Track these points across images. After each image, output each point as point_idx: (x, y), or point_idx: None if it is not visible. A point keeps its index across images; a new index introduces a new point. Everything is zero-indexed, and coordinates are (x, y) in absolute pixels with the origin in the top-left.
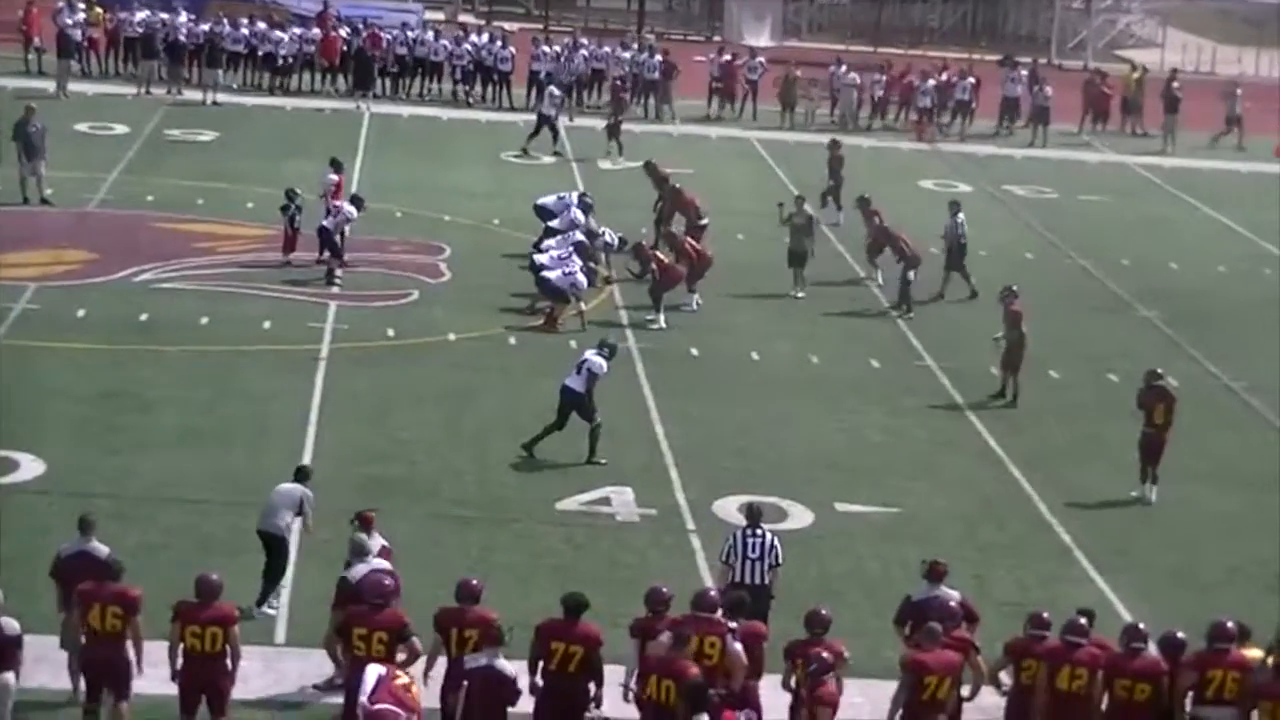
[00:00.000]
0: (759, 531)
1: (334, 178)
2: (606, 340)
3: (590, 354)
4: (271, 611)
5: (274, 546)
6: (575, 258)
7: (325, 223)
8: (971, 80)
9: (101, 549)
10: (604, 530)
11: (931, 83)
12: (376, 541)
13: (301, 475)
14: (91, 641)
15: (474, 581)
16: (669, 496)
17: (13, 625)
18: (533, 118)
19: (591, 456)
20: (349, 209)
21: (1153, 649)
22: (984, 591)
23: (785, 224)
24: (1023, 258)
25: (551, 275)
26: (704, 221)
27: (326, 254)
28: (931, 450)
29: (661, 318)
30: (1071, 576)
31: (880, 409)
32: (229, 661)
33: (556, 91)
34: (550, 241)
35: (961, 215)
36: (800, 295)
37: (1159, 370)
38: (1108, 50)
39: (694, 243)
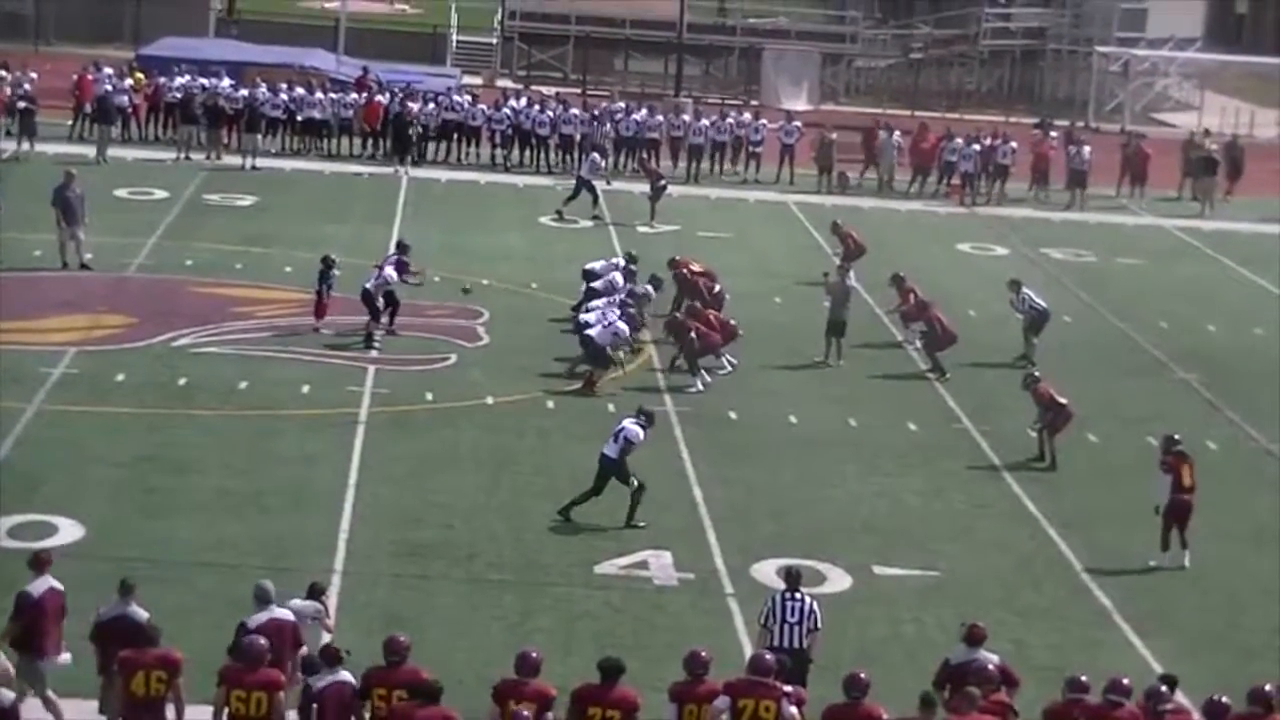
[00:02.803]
0: (798, 595)
1: (395, 257)
2: (644, 408)
3: (628, 422)
4: None
5: None
6: (615, 311)
7: (367, 285)
8: (1013, 145)
9: (140, 612)
10: (642, 594)
11: (976, 147)
12: (45, 582)
13: (314, 592)
14: (134, 707)
15: (534, 654)
16: (707, 560)
17: (5, 697)
18: (569, 182)
19: (630, 520)
20: (389, 273)
21: (1189, 710)
22: (1022, 655)
23: (829, 295)
24: (1060, 320)
25: (594, 333)
26: (718, 289)
27: (386, 317)
28: (969, 513)
29: (699, 381)
30: (1110, 640)
31: (918, 472)
32: None
33: (599, 158)
34: (595, 303)
35: (1026, 290)
36: (840, 363)
37: (1176, 436)
38: (1145, 113)
39: (715, 314)
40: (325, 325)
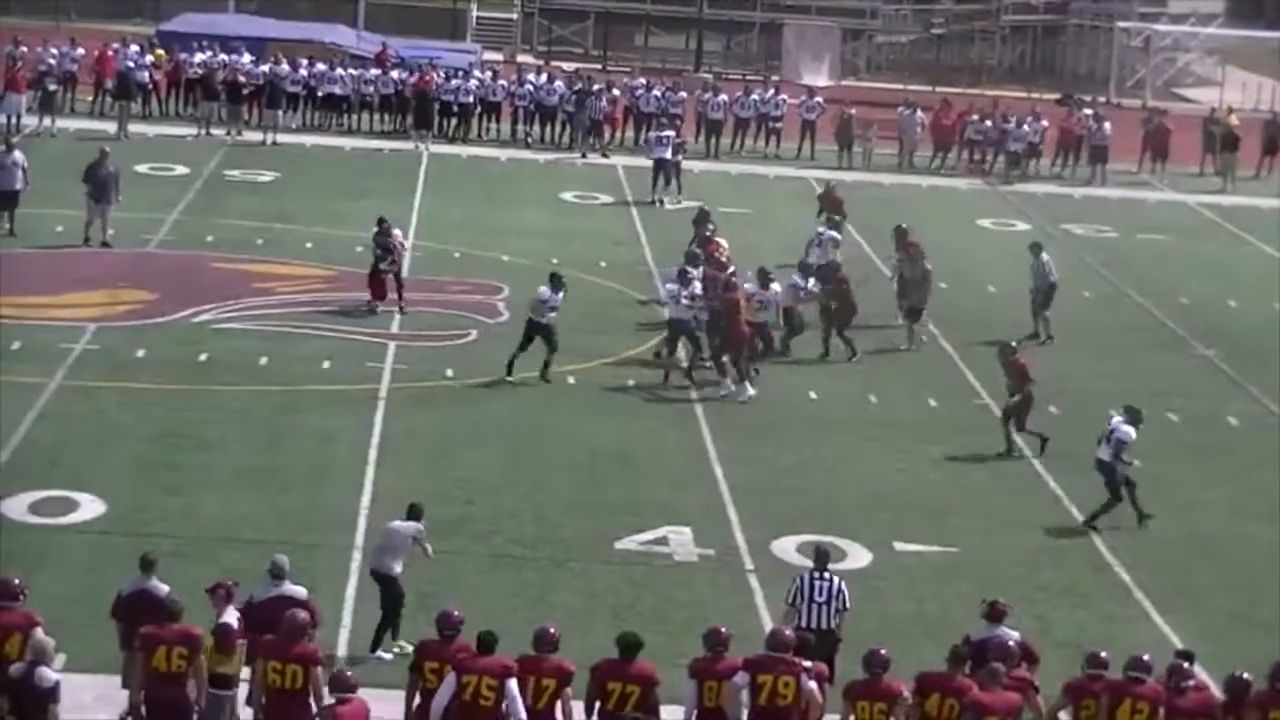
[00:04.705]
0: (826, 575)
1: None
2: (1131, 405)
3: (1117, 421)
4: (388, 656)
5: (384, 587)
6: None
7: (537, 318)
8: (1044, 124)
9: (161, 588)
10: (662, 570)
11: (1026, 128)
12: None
13: (414, 513)
14: (156, 683)
15: (552, 630)
16: (727, 536)
17: (48, 677)
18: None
19: (1093, 519)
20: (543, 290)
21: (1209, 685)
22: (1044, 631)
23: (894, 279)
24: (1081, 296)
25: (671, 312)
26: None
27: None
28: (990, 489)
29: (749, 385)
30: (1131, 616)
31: (938, 448)
32: (311, 701)
33: (668, 134)
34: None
35: (1045, 255)
36: (914, 348)
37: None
38: (1167, 89)
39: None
40: (384, 305)
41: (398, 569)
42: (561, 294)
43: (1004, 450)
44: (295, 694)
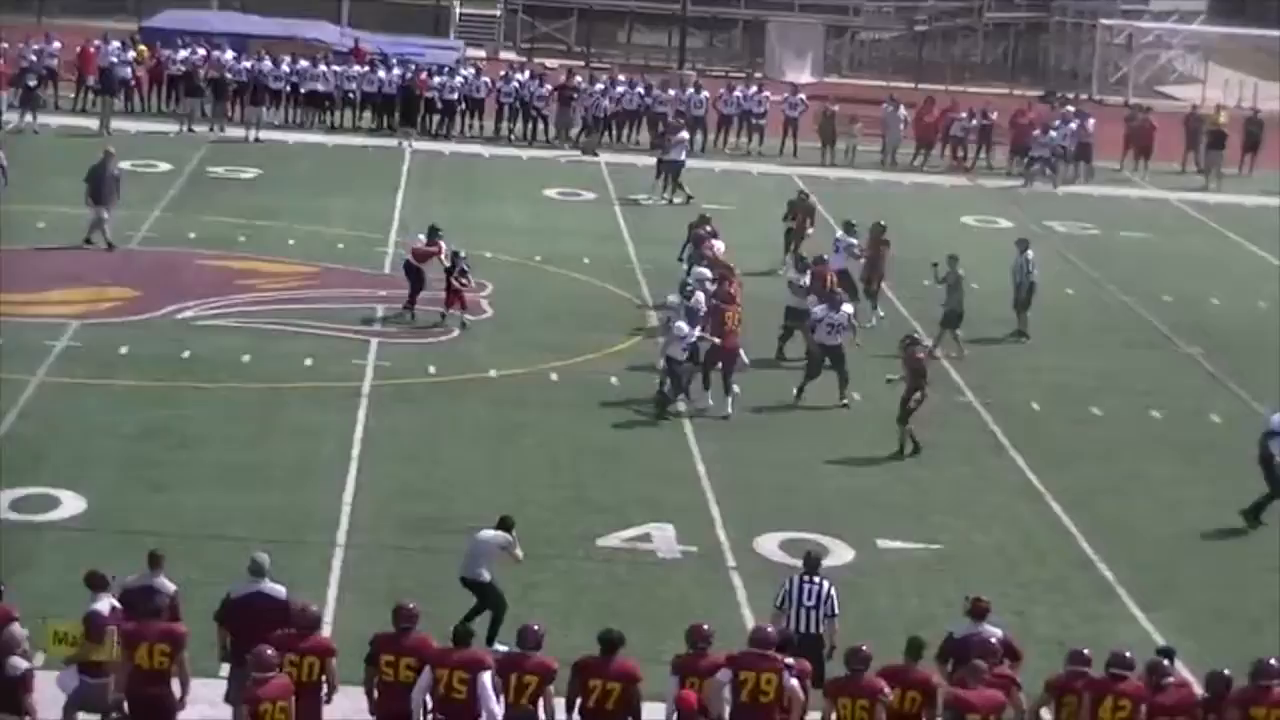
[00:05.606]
0: (815, 579)
1: (422, 238)
2: None
3: (1277, 419)
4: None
5: (477, 592)
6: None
7: (671, 352)
8: (1073, 126)
9: (168, 585)
10: (645, 567)
11: (1073, 126)
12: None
13: (504, 524)
14: (138, 680)
15: (536, 628)
16: (710, 534)
17: (18, 665)
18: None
19: (1255, 517)
20: (680, 324)
21: (1190, 681)
22: (1026, 628)
23: (940, 284)
24: (1064, 294)
25: (670, 350)
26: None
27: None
28: (972, 486)
29: (729, 401)
30: (1114, 613)
31: (921, 445)
32: (324, 693)
33: (683, 136)
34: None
35: (1030, 253)
36: (956, 356)
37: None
38: (1149, 86)
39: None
40: (453, 313)
41: (487, 576)
42: (698, 329)
43: (898, 450)
44: (313, 686)
